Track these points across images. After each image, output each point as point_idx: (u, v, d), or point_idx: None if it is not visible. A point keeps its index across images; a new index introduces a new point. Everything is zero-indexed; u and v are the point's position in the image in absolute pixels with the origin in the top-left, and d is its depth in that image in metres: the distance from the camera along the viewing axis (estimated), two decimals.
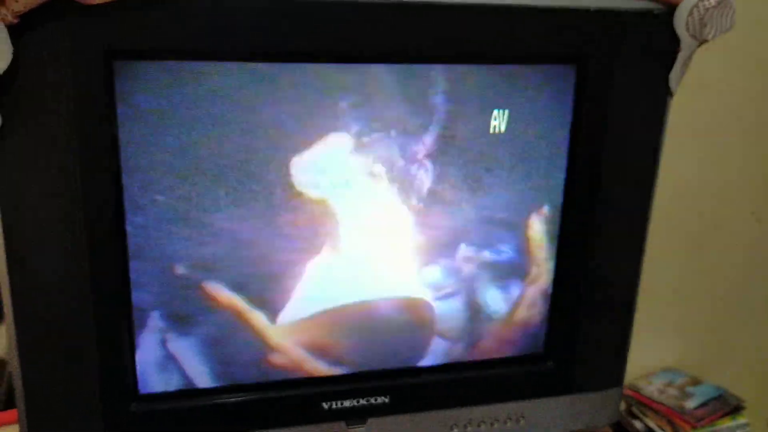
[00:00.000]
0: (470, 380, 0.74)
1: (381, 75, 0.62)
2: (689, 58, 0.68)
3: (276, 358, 0.69)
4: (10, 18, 0.51)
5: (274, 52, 0.60)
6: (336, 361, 0.71)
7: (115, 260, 0.60)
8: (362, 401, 0.71)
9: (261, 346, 0.68)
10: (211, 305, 0.65)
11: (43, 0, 0.52)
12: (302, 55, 0.60)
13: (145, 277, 0.62)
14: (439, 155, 0.66)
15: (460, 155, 0.66)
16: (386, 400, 0.72)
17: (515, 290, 0.73)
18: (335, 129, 0.63)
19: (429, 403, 0.74)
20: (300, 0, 0.57)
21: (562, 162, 0.69)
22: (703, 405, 1.19)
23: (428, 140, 0.65)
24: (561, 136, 0.68)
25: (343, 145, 0.63)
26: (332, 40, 0.59)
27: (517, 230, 0.71)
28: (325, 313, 0.68)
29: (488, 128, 0.66)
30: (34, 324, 0.60)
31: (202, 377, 0.67)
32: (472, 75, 0.64)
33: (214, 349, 0.66)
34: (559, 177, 0.70)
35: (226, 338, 0.66)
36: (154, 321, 0.64)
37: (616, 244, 0.72)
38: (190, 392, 0.67)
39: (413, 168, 0.66)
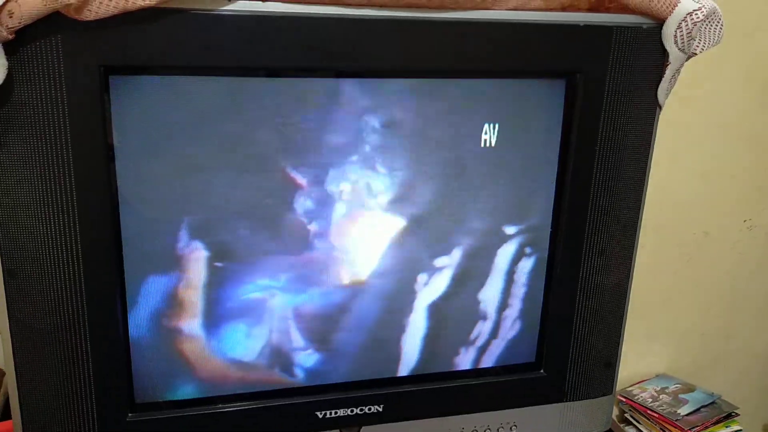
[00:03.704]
0: (462, 389, 0.75)
1: (372, 88, 0.63)
2: (678, 71, 0.68)
3: (271, 367, 0.69)
4: (5, 34, 0.52)
5: (270, 68, 0.60)
6: (330, 370, 0.71)
7: (110, 272, 0.61)
8: (356, 410, 0.72)
9: (256, 355, 0.68)
10: (206, 315, 0.65)
11: (38, 15, 0.52)
12: (298, 70, 0.61)
13: (141, 288, 0.63)
14: (429, 168, 0.67)
15: (450, 168, 0.67)
16: (379, 409, 0.72)
17: (507, 299, 0.74)
18: (330, 141, 0.63)
19: (422, 412, 0.74)
20: (296, 16, 0.58)
21: (552, 173, 0.70)
22: (696, 411, 1.20)
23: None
24: (551, 149, 0.69)
25: (336, 157, 0.64)
26: (327, 55, 0.60)
27: (508, 240, 0.71)
28: (318, 322, 0.69)
29: (479, 142, 0.67)
30: (30, 334, 0.60)
31: (198, 387, 0.68)
32: (462, 89, 0.65)
33: (210, 359, 0.67)
34: (550, 188, 0.70)
35: (222, 348, 0.67)
36: (151, 331, 0.64)
37: (607, 254, 0.73)
38: (186, 402, 0.68)
39: (404, 179, 0.67)
